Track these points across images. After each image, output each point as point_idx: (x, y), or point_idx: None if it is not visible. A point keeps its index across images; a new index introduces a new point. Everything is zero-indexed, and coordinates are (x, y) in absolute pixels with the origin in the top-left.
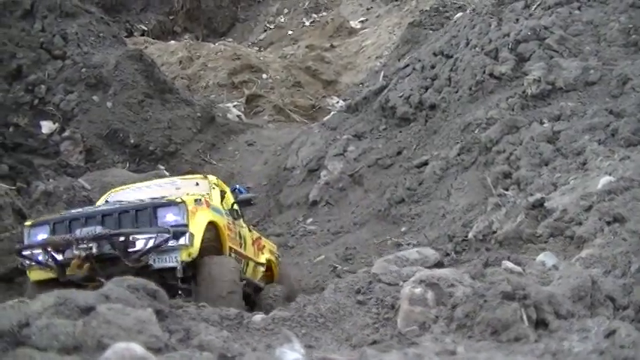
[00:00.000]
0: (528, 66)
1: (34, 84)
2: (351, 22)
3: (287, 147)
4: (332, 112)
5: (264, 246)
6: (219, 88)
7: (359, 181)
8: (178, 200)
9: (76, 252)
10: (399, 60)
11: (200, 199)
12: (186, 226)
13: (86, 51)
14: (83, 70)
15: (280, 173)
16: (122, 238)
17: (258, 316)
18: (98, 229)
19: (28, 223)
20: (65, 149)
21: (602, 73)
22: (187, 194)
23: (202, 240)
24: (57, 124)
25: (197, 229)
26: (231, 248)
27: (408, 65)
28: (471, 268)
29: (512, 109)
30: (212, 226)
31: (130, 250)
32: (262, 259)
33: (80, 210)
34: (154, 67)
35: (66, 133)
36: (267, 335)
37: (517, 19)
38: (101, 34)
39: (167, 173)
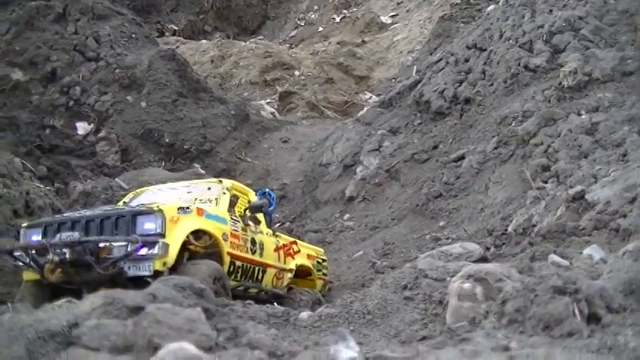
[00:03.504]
0: (564, 57)
1: (69, 86)
2: (381, 18)
3: (322, 143)
4: (365, 108)
5: (297, 251)
6: (251, 85)
7: (395, 176)
8: (156, 209)
9: (50, 257)
10: (430, 54)
11: (186, 208)
12: (163, 235)
13: (119, 52)
14: (117, 71)
15: (316, 169)
16: (92, 246)
17: (304, 314)
18: (75, 235)
19: (24, 224)
20: (101, 150)
21: None
22: (195, 199)
23: (193, 248)
24: (92, 125)
25: (176, 238)
26: (233, 255)
27: (441, 59)
28: (517, 263)
29: (549, 102)
30: (204, 233)
31: (104, 257)
32: (291, 264)
33: (69, 214)
34: (187, 67)
35: (101, 134)
36: (314, 332)
37: (551, 10)
38: (133, 35)
39: (203, 172)
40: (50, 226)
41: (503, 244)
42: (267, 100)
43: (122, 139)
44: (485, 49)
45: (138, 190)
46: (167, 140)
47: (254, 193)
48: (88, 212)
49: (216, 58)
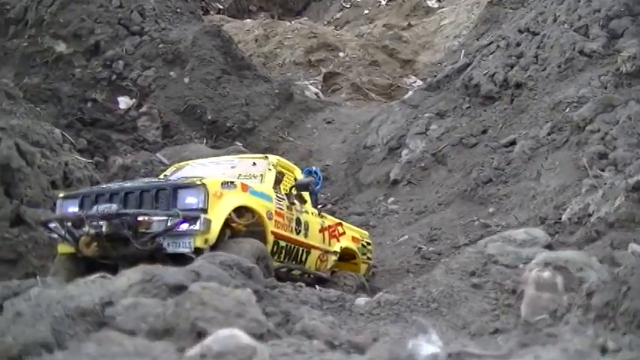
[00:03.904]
0: (621, 43)
1: (112, 60)
2: (428, 1)
3: (366, 125)
4: (410, 92)
5: (342, 233)
6: (295, 66)
7: (442, 160)
8: (199, 182)
9: (86, 229)
10: (477, 39)
11: (231, 182)
12: (205, 210)
13: (163, 27)
14: (160, 45)
15: (360, 151)
16: (130, 219)
17: (361, 299)
18: (112, 208)
19: (61, 194)
20: (142, 125)
21: None
22: (239, 175)
23: (235, 225)
24: (134, 100)
25: (218, 214)
26: (277, 234)
27: (491, 43)
28: (597, 251)
29: (605, 87)
30: (248, 210)
31: (142, 231)
32: (336, 247)
33: (107, 185)
34: (232, 43)
35: (143, 109)
36: (372, 320)
37: None
38: (178, 10)
39: (245, 150)
40: (87, 197)
41: (557, 232)
42: (311, 81)
43: (164, 114)
44: (537, 33)
45: (180, 164)
46: (209, 117)
47: (300, 171)
48: (127, 184)
49: (260, 38)
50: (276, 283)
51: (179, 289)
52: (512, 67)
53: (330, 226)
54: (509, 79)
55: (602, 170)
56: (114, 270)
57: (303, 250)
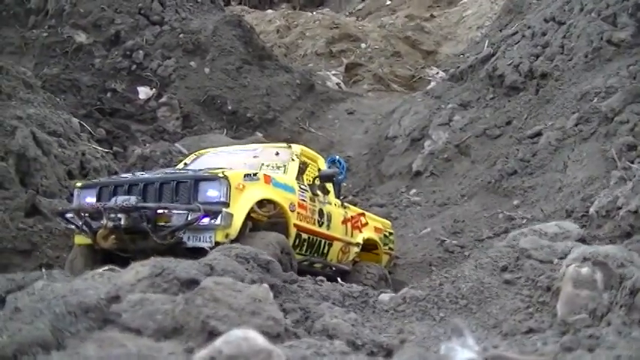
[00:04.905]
0: None
1: (132, 49)
2: None
3: (388, 116)
4: (432, 83)
5: (365, 224)
6: (317, 57)
7: (465, 152)
8: (220, 175)
9: (104, 222)
10: (500, 30)
11: (254, 174)
12: (227, 204)
13: (184, 16)
14: (181, 35)
15: (381, 142)
16: (149, 212)
17: (385, 295)
18: (131, 200)
19: (78, 184)
20: (162, 115)
21: None
22: (262, 165)
23: (257, 218)
24: (154, 90)
25: (240, 207)
26: (299, 227)
27: (516, 32)
28: (635, 246)
29: (634, 78)
30: (269, 202)
31: (161, 225)
32: (358, 238)
33: (126, 176)
34: (253, 33)
35: (163, 99)
36: (397, 318)
37: None
38: (199, 0)
39: (266, 140)
40: (106, 187)
41: (584, 226)
42: (333, 72)
43: (184, 105)
44: (564, 23)
45: (200, 152)
46: (230, 108)
47: (323, 160)
48: (146, 175)
49: (282, 28)
50: (296, 277)
51: (191, 283)
52: (537, 57)
53: (352, 217)
54: (534, 69)
55: (632, 162)
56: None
57: (325, 243)
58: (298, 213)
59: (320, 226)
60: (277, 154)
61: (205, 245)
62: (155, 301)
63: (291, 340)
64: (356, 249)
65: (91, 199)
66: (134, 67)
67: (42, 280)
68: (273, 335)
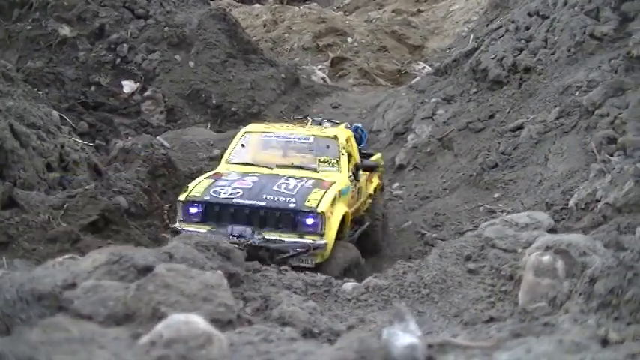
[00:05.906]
0: (633, 26)
1: (117, 43)
2: None
3: (373, 110)
4: (418, 77)
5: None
6: (303, 51)
7: (448, 145)
8: (318, 211)
9: None
10: (487, 25)
11: (336, 196)
12: (322, 235)
13: (169, 10)
14: (166, 29)
15: None
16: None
17: (349, 284)
18: (248, 232)
19: (181, 198)
20: (146, 109)
21: None
22: (318, 162)
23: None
24: (138, 84)
25: (331, 232)
26: (351, 214)
27: (500, 27)
28: (602, 235)
29: (616, 72)
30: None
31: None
32: (370, 189)
33: (229, 197)
34: (238, 27)
35: (147, 93)
36: (360, 307)
37: None
38: None
39: None
40: (211, 207)
41: (563, 219)
42: (319, 66)
43: (168, 98)
44: (547, 17)
45: (251, 129)
46: (214, 101)
47: (352, 133)
48: (250, 201)
49: (268, 23)
50: (259, 266)
51: (148, 271)
52: (521, 51)
53: (369, 176)
54: (517, 63)
55: (611, 155)
56: None
57: (356, 209)
58: (349, 204)
59: (357, 200)
60: (328, 147)
61: (307, 266)
62: (108, 287)
63: (243, 326)
64: (369, 200)
65: (194, 211)
66: (118, 60)
67: (2, 269)
68: (224, 322)
